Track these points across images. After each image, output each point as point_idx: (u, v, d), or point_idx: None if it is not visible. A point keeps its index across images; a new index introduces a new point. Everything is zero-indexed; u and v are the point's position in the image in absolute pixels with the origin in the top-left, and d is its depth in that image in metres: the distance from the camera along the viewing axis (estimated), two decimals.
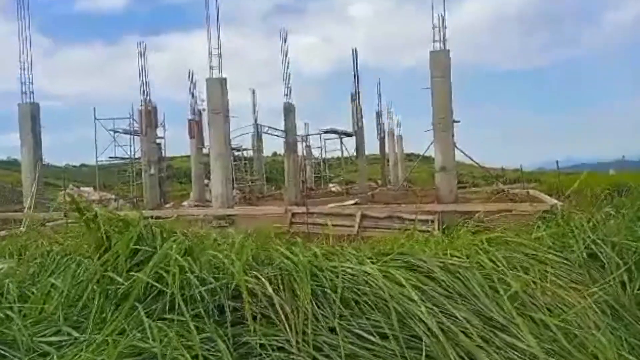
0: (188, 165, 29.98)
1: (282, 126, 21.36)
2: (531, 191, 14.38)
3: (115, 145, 24.67)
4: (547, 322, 2.23)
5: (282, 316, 1.99)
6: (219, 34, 13.73)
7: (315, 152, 37.32)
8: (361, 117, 22.90)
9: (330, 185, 34.39)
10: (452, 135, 12.48)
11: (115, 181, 29.92)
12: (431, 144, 13.22)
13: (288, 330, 1.94)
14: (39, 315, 2.43)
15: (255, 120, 31.81)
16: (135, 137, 23.91)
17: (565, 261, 3.55)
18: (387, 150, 35.38)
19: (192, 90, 24.04)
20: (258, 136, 31.84)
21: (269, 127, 31.60)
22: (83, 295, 2.31)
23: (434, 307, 2.09)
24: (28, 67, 15.76)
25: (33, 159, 14.94)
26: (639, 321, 3.08)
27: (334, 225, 12.18)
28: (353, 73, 23.25)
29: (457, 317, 2.01)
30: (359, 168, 23.52)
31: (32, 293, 2.74)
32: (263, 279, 2.12)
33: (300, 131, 34.24)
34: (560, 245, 3.87)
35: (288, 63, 20.34)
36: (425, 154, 18.96)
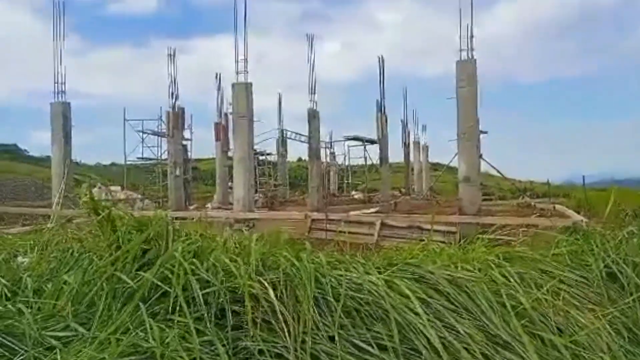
0: (214, 167, 30.38)
1: (307, 132, 21.49)
2: (557, 206, 14.04)
3: (143, 146, 25.20)
4: (555, 342, 2.16)
5: (283, 323, 1.99)
6: (246, 40, 13.93)
7: (339, 159, 37.37)
8: (386, 125, 22.79)
9: (353, 192, 34.28)
10: (478, 146, 12.30)
11: (143, 181, 30.53)
12: (457, 154, 13.06)
13: (287, 337, 1.94)
14: (51, 310, 2.49)
15: (280, 125, 32.05)
16: (162, 138, 24.38)
17: (582, 280, 3.46)
18: (412, 159, 35.13)
19: (219, 93, 24.38)
20: (282, 141, 32.03)
21: (293, 132, 31.81)
22: (91, 293, 2.35)
23: (437, 321, 2.06)
24: (61, 66, 16.28)
25: (63, 156, 15.38)
26: None
27: (354, 233, 12.16)
28: (379, 80, 23.20)
29: (460, 332, 1.97)
30: (382, 176, 23.38)
31: (47, 288, 2.80)
32: (266, 284, 2.13)
33: (325, 137, 34.48)
34: (578, 263, 3.77)
35: (313, 68, 20.46)
36: (451, 164, 18.75)
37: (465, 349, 1.90)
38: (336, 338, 1.94)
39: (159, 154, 25.47)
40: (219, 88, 24.78)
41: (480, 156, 23.59)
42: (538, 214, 13.15)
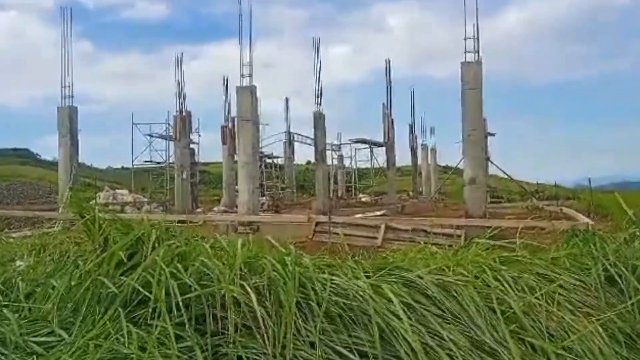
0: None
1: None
2: (565, 209, 13.89)
3: (150, 150, 25.35)
4: (544, 348, 2.11)
5: (263, 328, 1.95)
6: (251, 44, 13.97)
7: (347, 162, 37.33)
8: (392, 127, 22.72)
9: (361, 195, 34.20)
10: (484, 149, 12.19)
11: (151, 184, 30.70)
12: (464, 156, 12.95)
13: (267, 343, 1.90)
14: (37, 315, 2.48)
15: (288, 128, 32.09)
16: (170, 142, 24.50)
17: (581, 284, 3.39)
18: (419, 162, 34.99)
19: (226, 96, 24.46)
20: (289, 144, 32.06)
21: (301, 135, 31.83)
22: (75, 297, 2.33)
23: (421, 326, 2.01)
24: (68, 71, 16.46)
25: (69, 160, 15.51)
26: None
27: (358, 236, 12.10)
28: (386, 83, 23.15)
29: (443, 338, 1.93)
30: (388, 179, 23.29)
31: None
32: (249, 289, 2.10)
33: (334, 140, 34.46)
34: (577, 266, 3.70)
35: (319, 72, 20.47)
36: (459, 167, 18.63)
37: (448, 354, 1.85)
38: (316, 344, 1.91)
39: (167, 158, 25.62)
40: (226, 92, 24.87)
41: (488, 158, 23.49)
42: (539, 216, 13.00)
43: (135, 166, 27.96)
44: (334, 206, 20.32)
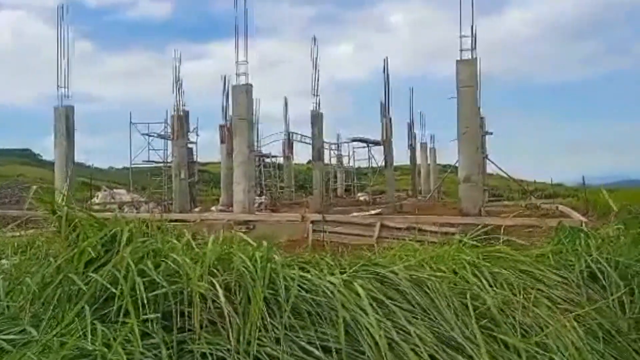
0: None
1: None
2: (561, 207, 13.86)
3: (149, 149, 25.33)
4: (515, 344, 2.09)
5: (229, 325, 1.94)
6: (247, 42, 13.95)
7: (346, 161, 37.29)
8: (390, 126, 22.69)
9: (359, 194, 34.18)
10: (479, 147, 12.14)
11: (150, 184, 30.68)
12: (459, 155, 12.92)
13: (232, 339, 1.89)
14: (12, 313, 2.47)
15: (287, 128, 32.08)
16: (169, 141, 24.46)
17: (563, 280, 3.38)
18: (419, 160, 34.95)
19: (224, 96, 24.43)
20: (288, 143, 32.04)
21: (301, 134, 31.80)
22: (45, 294, 2.32)
23: (389, 321, 2.00)
24: (65, 71, 16.45)
25: (65, 159, 15.50)
26: (638, 347, 2.88)
27: (352, 235, 12.09)
28: (384, 82, 23.09)
29: (410, 333, 1.91)
30: (387, 178, 23.27)
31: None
32: (218, 286, 2.09)
33: (334, 139, 34.44)
34: (561, 263, 3.69)
35: (317, 71, 20.45)
36: (457, 165, 18.58)
37: (413, 350, 1.84)
38: (281, 340, 1.89)
39: (165, 157, 25.58)
40: (224, 91, 24.83)
41: (486, 157, 23.46)
42: (531, 215, 12.97)
43: (133, 166, 27.98)
44: (331, 205, 20.31)
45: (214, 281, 2.11)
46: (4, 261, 4.00)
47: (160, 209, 22.31)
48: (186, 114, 21.53)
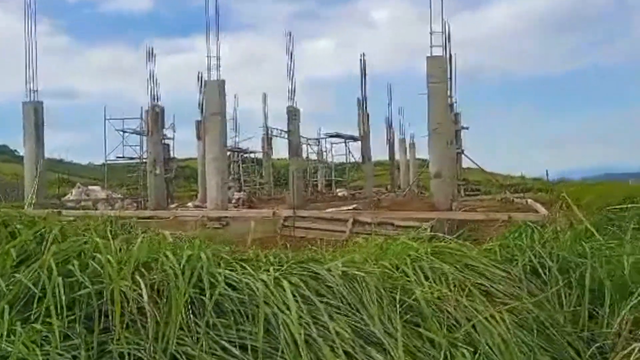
0: None
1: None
2: (530, 201, 14.14)
3: (124, 145, 25.01)
4: (434, 338, 2.13)
5: (149, 323, 1.94)
6: (218, 37, 13.84)
7: (326, 157, 37.31)
8: (367, 122, 22.79)
9: (338, 190, 34.28)
10: (451, 143, 12.26)
11: (126, 180, 30.31)
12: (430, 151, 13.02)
13: (148, 338, 1.89)
14: None
15: (265, 123, 31.97)
16: (145, 137, 24.16)
17: (507, 274, 3.44)
18: (397, 156, 35.19)
19: (201, 91, 24.20)
20: (267, 139, 31.94)
21: (280, 130, 31.68)
22: None
23: (312, 318, 2.02)
24: (34, 65, 16.12)
25: (35, 156, 15.22)
26: (571, 339, 2.95)
27: (326, 230, 12.13)
28: (361, 78, 23.18)
29: (330, 329, 1.93)
30: (365, 173, 23.38)
31: None
32: (142, 285, 2.08)
33: (314, 135, 34.40)
34: (508, 258, 3.75)
35: (293, 67, 20.41)
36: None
37: (330, 345, 1.86)
38: (201, 339, 1.90)
39: (141, 154, 25.28)
40: (200, 87, 24.60)
41: (462, 152, 23.72)
42: (496, 208, 13.18)
43: (111, 162, 27.59)
44: (309, 200, 20.32)
45: (140, 280, 2.10)
46: None
47: (135, 205, 22.07)
48: (161, 109, 21.28)
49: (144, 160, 23.89)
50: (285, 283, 2.16)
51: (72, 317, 2.04)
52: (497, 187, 29.37)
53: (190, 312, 2.04)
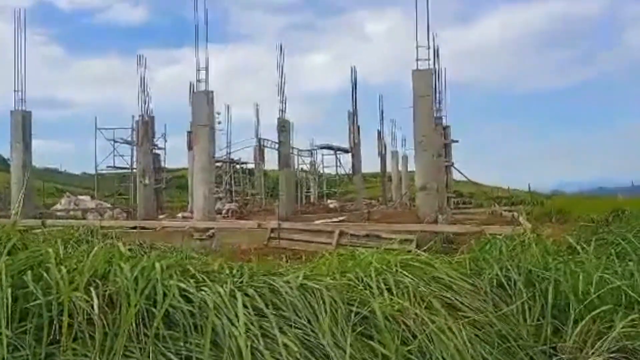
0: None
1: (293, 142, 21.61)
2: (515, 214, 14.22)
3: (114, 155, 24.95)
4: (382, 351, 2.14)
5: (97, 335, 1.94)
6: (207, 48, 13.92)
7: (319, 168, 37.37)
8: (358, 133, 22.89)
9: (329, 201, 34.29)
10: (437, 156, 12.31)
11: (116, 190, 30.19)
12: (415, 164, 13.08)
13: (97, 350, 1.89)
14: None
15: (257, 134, 32.02)
16: (135, 147, 24.12)
17: (473, 287, 3.46)
18: (389, 168, 35.29)
19: (192, 102, 24.23)
20: (259, 150, 31.97)
21: (272, 141, 31.71)
22: None
23: (262, 330, 2.03)
24: (23, 74, 16.13)
25: (22, 165, 15.15)
26: (534, 353, 2.97)
27: (312, 242, 12.11)
28: (351, 91, 23.33)
29: (278, 342, 1.94)
30: (355, 185, 23.43)
31: None
32: (94, 296, 2.08)
33: (307, 147, 34.47)
34: (476, 270, 3.77)
35: (284, 79, 20.51)
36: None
37: (277, 358, 1.87)
38: (149, 350, 1.90)
39: (132, 163, 25.22)
40: (191, 97, 24.64)
41: (452, 164, 23.84)
42: (483, 221, 13.24)
43: (103, 172, 27.51)
44: (298, 212, 20.30)
45: (93, 291, 2.10)
46: None
47: (125, 215, 21.96)
48: (151, 119, 21.29)
49: (135, 170, 23.82)
50: (238, 295, 2.17)
51: (24, 329, 2.04)
52: (487, 199, 29.51)
53: (141, 323, 2.04)
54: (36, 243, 2.76)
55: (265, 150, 31.93)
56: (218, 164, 29.69)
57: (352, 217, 19.08)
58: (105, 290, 2.18)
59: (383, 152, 33.06)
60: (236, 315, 2.07)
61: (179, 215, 22.21)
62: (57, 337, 2.02)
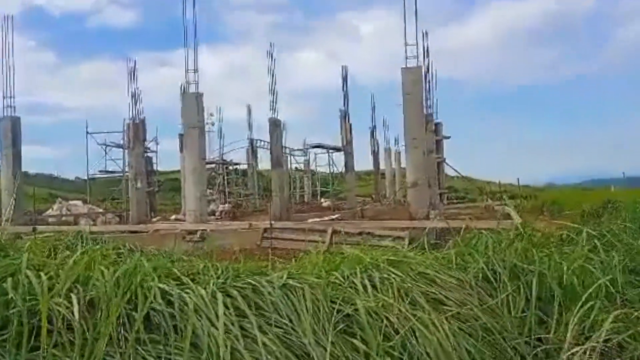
0: None
1: (286, 141, 21.62)
2: (507, 208, 14.27)
3: (106, 159, 24.84)
4: (363, 347, 2.15)
5: (77, 340, 1.94)
6: (196, 50, 13.89)
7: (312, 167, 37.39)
8: (350, 132, 22.91)
9: (322, 200, 34.31)
10: (428, 152, 12.34)
11: (109, 194, 30.06)
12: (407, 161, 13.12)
13: (77, 355, 1.89)
14: None
15: (250, 135, 31.97)
16: (127, 151, 24.01)
17: (459, 282, 3.48)
18: (382, 166, 35.35)
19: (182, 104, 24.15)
20: (252, 150, 31.91)
21: (265, 141, 31.65)
22: None
23: (243, 331, 2.03)
24: (11, 80, 16.03)
25: (12, 172, 15.05)
26: (518, 344, 2.99)
27: (305, 241, 12.12)
28: (342, 89, 23.35)
29: (258, 342, 1.95)
30: (347, 183, 23.46)
31: None
32: (75, 301, 2.08)
33: (300, 146, 34.45)
34: (462, 265, 3.80)
35: (275, 78, 20.47)
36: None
37: (257, 358, 1.88)
38: (130, 354, 1.90)
39: (124, 167, 25.12)
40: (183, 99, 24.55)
41: (444, 160, 23.92)
42: (476, 215, 13.31)
43: (93, 176, 27.38)
44: (290, 211, 20.29)
45: (73, 297, 2.10)
46: None
47: (118, 219, 21.87)
48: (143, 122, 21.19)
49: (127, 174, 23.72)
50: (219, 295, 2.18)
51: (5, 337, 2.04)
52: (480, 194, 29.68)
53: (122, 327, 2.04)
54: (23, 250, 2.76)
55: (259, 150, 31.91)
56: (211, 166, 29.65)
57: (345, 215, 19.11)
58: (86, 295, 2.18)
59: (376, 149, 33.15)
60: (217, 316, 2.08)
61: (172, 217, 22.16)
62: (38, 344, 2.02)
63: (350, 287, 2.89)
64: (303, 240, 11.57)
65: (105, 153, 24.68)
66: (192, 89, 13.43)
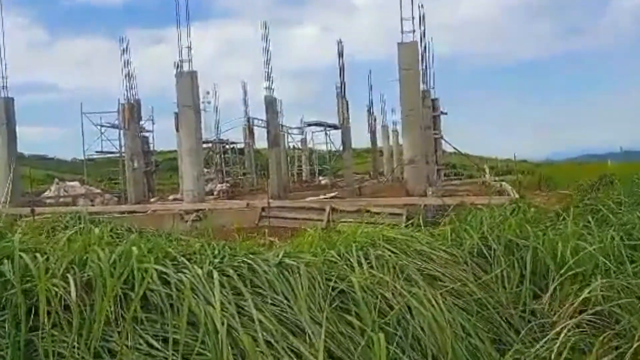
0: None
1: (283, 120, 21.34)
2: (503, 184, 14.34)
3: (102, 140, 24.67)
4: (357, 323, 2.18)
5: (75, 320, 1.96)
6: (189, 27, 13.68)
7: (310, 145, 37.26)
8: (347, 109, 22.77)
9: (321, 178, 34.33)
10: (425, 128, 12.29)
11: (107, 175, 29.99)
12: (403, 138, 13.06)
13: (74, 335, 1.91)
14: None
15: (246, 113, 31.76)
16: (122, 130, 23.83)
17: (454, 258, 3.51)
18: (380, 143, 35.28)
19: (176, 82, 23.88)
20: (249, 129, 31.73)
21: (262, 120, 31.43)
22: None
23: (239, 309, 2.06)
24: (2, 60, 15.80)
25: (7, 153, 14.98)
26: (512, 318, 3.03)
27: (304, 220, 12.17)
28: (338, 65, 23.09)
29: (254, 320, 1.97)
30: (344, 161, 23.44)
31: None
32: (72, 282, 2.09)
33: (298, 124, 34.28)
34: (458, 241, 3.83)
35: (269, 56, 20.23)
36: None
37: (252, 335, 1.90)
38: (127, 333, 1.93)
39: (120, 147, 24.97)
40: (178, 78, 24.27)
41: (442, 137, 23.87)
42: (471, 190, 13.35)
43: (90, 157, 27.23)
44: (288, 190, 20.32)
45: (70, 278, 2.12)
46: None
47: (116, 200, 21.88)
48: (137, 102, 21.02)
49: (124, 154, 23.62)
50: (215, 275, 2.20)
51: (4, 317, 2.06)
52: (478, 170, 29.74)
53: (119, 307, 2.06)
54: (21, 231, 2.76)
55: (256, 128, 31.73)
56: (208, 145, 29.53)
57: (343, 193, 19.15)
58: (83, 276, 2.19)
59: (373, 126, 33.01)
60: (213, 295, 2.10)
61: (171, 197, 22.17)
62: (36, 324, 2.05)
63: (346, 265, 2.92)
64: (301, 219, 11.63)
65: (101, 134, 24.50)
66: (185, 67, 13.30)
